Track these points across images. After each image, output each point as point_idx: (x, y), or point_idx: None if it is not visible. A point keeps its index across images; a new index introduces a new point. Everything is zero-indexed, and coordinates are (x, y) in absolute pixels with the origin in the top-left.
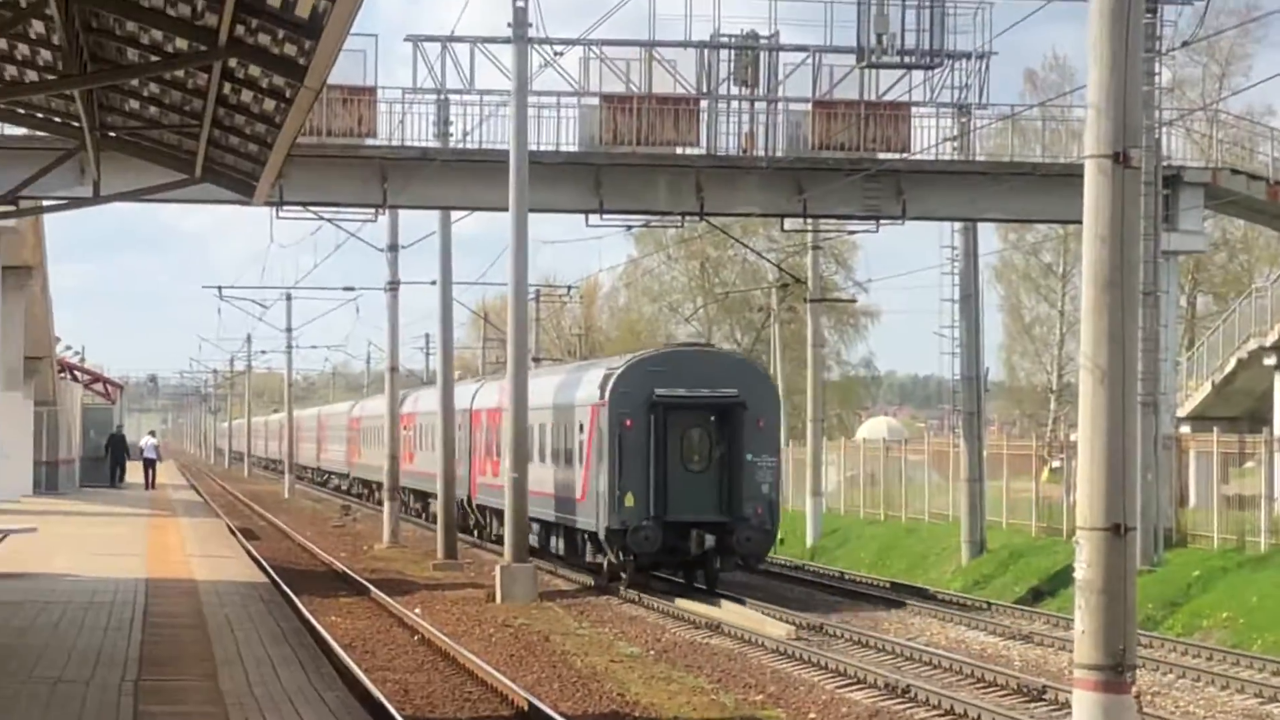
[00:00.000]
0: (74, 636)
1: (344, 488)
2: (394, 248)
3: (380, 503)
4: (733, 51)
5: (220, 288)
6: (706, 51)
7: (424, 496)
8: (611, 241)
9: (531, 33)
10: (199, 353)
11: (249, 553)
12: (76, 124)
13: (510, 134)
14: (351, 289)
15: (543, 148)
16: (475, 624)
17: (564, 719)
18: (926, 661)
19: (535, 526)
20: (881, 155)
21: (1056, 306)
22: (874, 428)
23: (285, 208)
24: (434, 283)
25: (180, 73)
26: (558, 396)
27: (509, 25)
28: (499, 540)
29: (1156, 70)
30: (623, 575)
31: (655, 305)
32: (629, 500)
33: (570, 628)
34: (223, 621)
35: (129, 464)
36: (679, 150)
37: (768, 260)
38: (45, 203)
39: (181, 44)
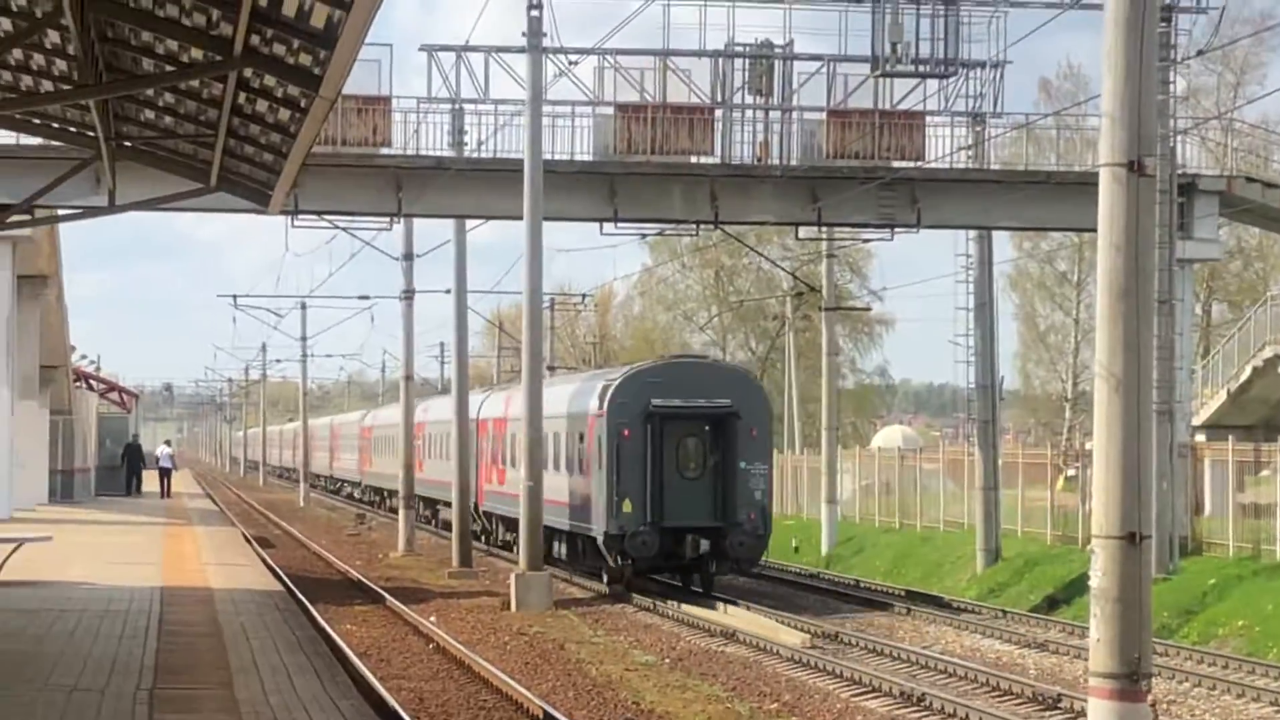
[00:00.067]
0: (89, 645)
1: (356, 495)
2: (409, 256)
3: (392, 510)
4: (747, 60)
5: (235, 296)
6: (721, 60)
7: (433, 504)
8: (626, 250)
9: (546, 42)
10: (214, 361)
11: (264, 561)
12: (92, 133)
13: (525, 143)
14: (366, 298)
15: (557, 157)
16: (490, 632)
17: None
18: (941, 670)
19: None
20: (896, 164)
21: (1071, 315)
22: (889, 436)
23: (300, 216)
24: (449, 291)
25: (195, 82)
26: (559, 407)
27: (524, 35)
28: (505, 546)
29: (1171, 79)
30: (623, 578)
31: (670, 314)
32: (627, 506)
33: (585, 636)
34: (238, 630)
35: (145, 473)
36: (693, 159)
37: (782, 269)
38: (61, 212)
39: (197, 54)
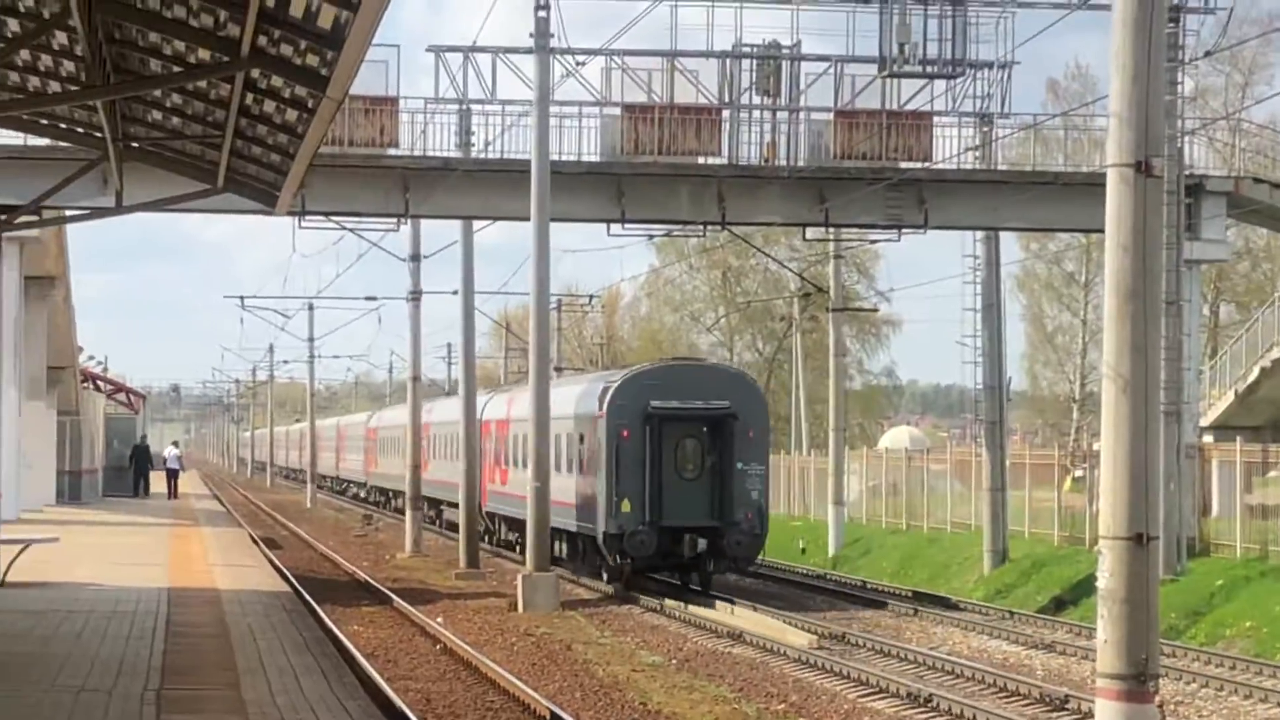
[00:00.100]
0: (97, 646)
1: (362, 496)
2: (416, 257)
3: (398, 511)
4: (754, 61)
5: (243, 297)
6: (728, 61)
7: (437, 504)
8: (633, 251)
9: (553, 43)
10: (221, 362)
11: (271, 562)
12: (99, 134)
13: (532, 144)
14: (374, 299)
15: (564, 157)
16: (497, 633)
17: None
18: (949, 671)
19: None
20: (903, 164)
21: (1079, 315)
22: (896, 437)
23: (307, 218)
24: (456, 292)
25: (203, 83)
26: (561, 408)
27: (531, 35)
28: (508, 545)
29: (1179, 79)
30: (622, 577)
31: (677, 315)
32: (626, 506)
33: (592, 637)
34: (245, 631)
35: (152, 474)
36: (701, 160)
37: (789, 269)
38: (68, 213)
39: (204, 55)
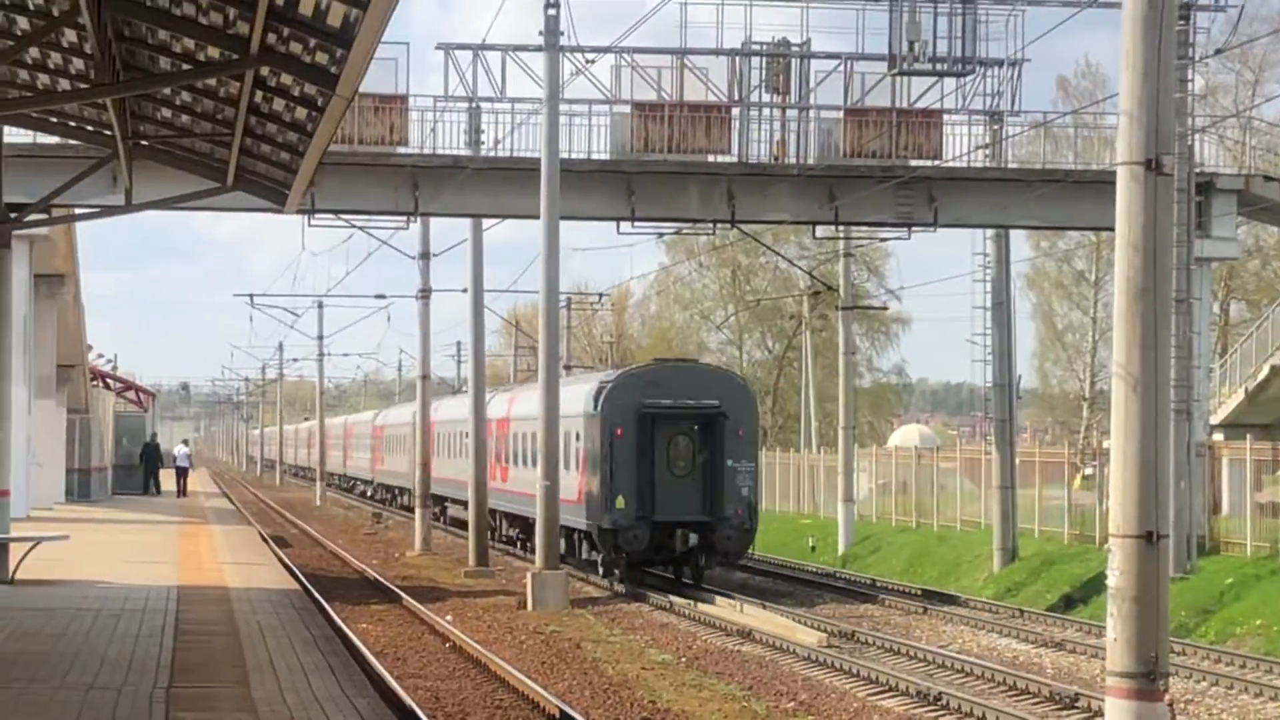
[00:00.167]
0: (106, 644)
1: (368, 493)
2: (425, 255)
3: (404, 508)
4: (764, 59)
5: (252, 296)
6: (738, 59)
7: (441, 500)
8: (643, 249)
9: (563, 41)
10: (231, 361)
11: (281, 560)
12: (109, 132)
13: (542, 142)
14: (383, 297)
15: (574, 155)
16: (507, 631)
17: None
18: (958, 669)
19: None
20: (913, 162)
21: (1089, 314)
22: (906, 435)
23: (317, 216)
24: (465, 290)
25: (212, 81)
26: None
27: (540, 33)
28: (509, 541)
29: (1189, 77)
30: (616, 571)
31: (687, 313)
32: (620, 502)
33: (601, 635)
34: (255, 629)
35: (163, 472)
36: (710, 158)
37: (799, 268)
38: (77, 211)
39: (213, 52)
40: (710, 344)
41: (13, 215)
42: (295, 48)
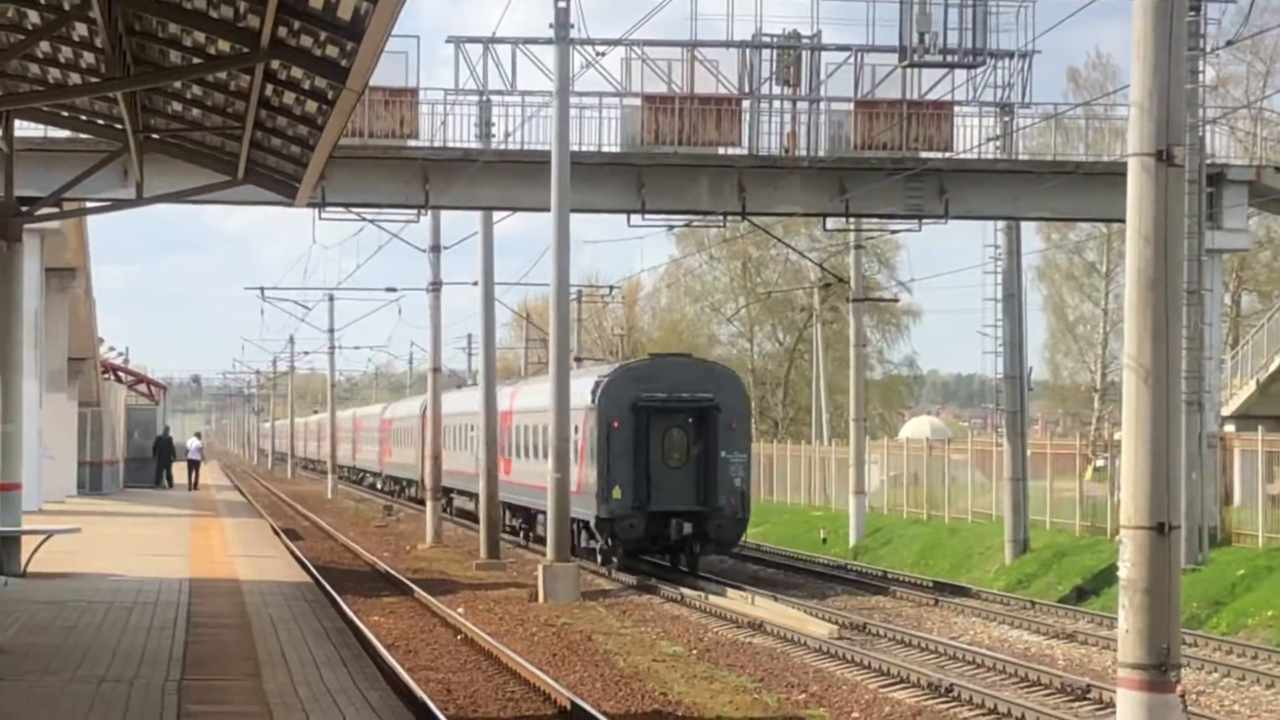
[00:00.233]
0: (118, 636)
1: (378, 486)
2: (436, 249)
3: (411, 499)
4: (775, 51)
5: (263, 289)
6: (748, 51)
7: (448, 492)
8: (653, 241)
9: (573, 33)
10: (242, 354)
11: (292, 553)
12: (120, 126)
13: (552, 134)
14: (394, 290)
15: (584, 148)
16: (518, 624)
17: (607, 719)
18: (970, 661)
19: (540, 516)
20: (924, 154)
21: (1100, 305)
22: (917, 427)
23: (327, 209)
24: (476, 283)
25: (222, 75)
26: None
27: (551, 26)
28: (511, 531)
29: (1200, 68)
30: (614, 559)
31: (697, 305)
32: (617, 493)
33: (613, 627)
34: (266, 621)
35: (175, 465)
36: (721, 150)
37: (810, 260)
38: (89, 204)
39: (224, 46)
40: (721, 336)
41: (24, 209)
42: (306, 41)
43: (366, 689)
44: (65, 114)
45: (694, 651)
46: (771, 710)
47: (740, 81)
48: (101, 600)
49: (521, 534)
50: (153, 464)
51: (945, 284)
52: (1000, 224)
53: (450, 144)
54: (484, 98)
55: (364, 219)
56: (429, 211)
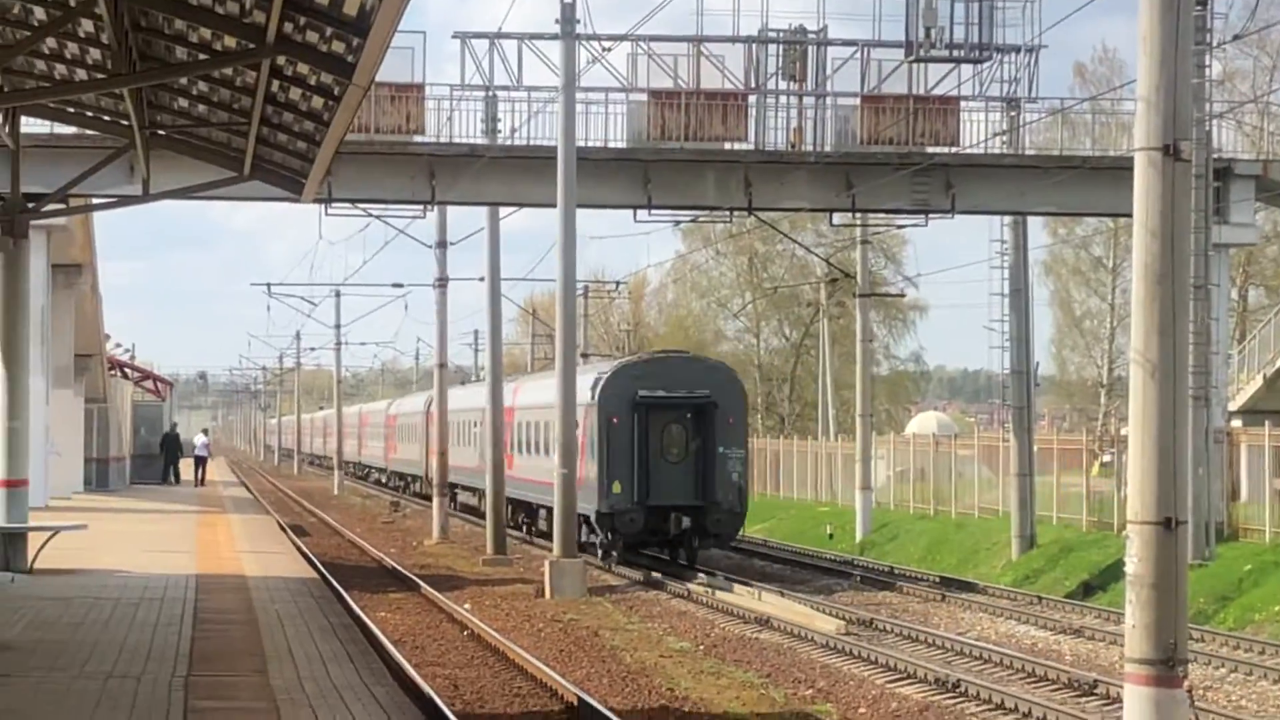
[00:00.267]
0: (125, 632)
1: (383, 481)
2: (442, 244)
3: (416, 494)
4: (781, 46)
5: (269, 285)
6: (754, 46)
7: (452, 487)
8: (660, 237)
9: (579, 29)
10: (248, 350)
11: (299, 549)
12: (126, 122)
13: (558, 130)
14: (400, 285)
15: (591, 144)
16: (525, 619)
17: (614, 714)
18: (977, 656)
19: (542, 511)
20: (930, 149)
21: (1107, 300)
22: (923, 422)
23: (334, 205)
24: (482, 279)
25: (229, 71)
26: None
27: (557, 21)
28: (514, 526)
29: (1207, 63)
30: (614, 553)
31: (703, 301)
32: (616, 488)
33: (620, 623)
34: (273, 617)
35: (182, 462)
36: (727, 145)
37: (816, 255)
38: (95, 200)
39: (230, 42)
40: (727, 332)
41: (30, 205)
42: (312, 37)
43: (373, 684)
44: (71, 110)
45: (701, 647)
46: (779, 706)
47: (746, 77)
48: (108, 596)
49: (524, 529)
50: (159, 460)
51: (952, 279)
52: (1007, 219)
53: (456, 140)
54: (490, 93)
55: (370, 215)
56: (435, 207)
